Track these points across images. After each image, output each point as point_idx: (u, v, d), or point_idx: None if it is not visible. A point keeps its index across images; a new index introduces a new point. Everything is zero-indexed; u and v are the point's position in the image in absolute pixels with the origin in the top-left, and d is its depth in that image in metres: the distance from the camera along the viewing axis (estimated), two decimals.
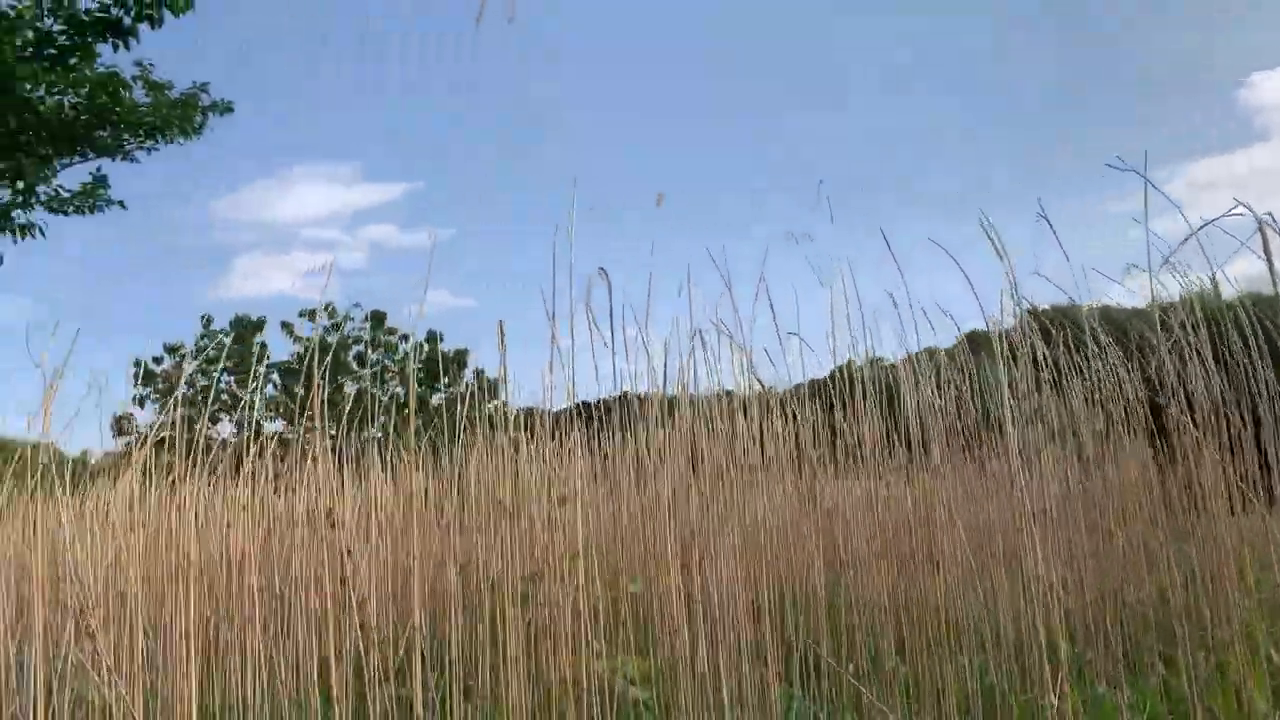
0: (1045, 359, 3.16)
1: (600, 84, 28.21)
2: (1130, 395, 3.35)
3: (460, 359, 20.69)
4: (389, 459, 3.63)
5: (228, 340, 20.27)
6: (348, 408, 3.07)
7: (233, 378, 19.93)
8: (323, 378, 2.32)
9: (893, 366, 3.38)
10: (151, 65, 7.68)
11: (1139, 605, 3.05)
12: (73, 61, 6.67)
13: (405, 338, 22.35)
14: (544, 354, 2.66)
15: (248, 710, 2.53)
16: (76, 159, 7.67)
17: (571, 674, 2.43)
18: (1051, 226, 2.53)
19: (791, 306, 3.06)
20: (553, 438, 3.05)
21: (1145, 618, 3.02)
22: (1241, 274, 2.94)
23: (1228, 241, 2.27)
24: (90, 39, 6.58)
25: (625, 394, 3.55)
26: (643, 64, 28.20)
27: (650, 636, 2.69)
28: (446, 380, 20.63)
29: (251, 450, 2.98)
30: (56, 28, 6.46)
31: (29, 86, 6.32)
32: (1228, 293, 2.90)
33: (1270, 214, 2.04)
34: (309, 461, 3.07)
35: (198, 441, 2.91)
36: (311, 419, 2.50)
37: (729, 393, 3.14)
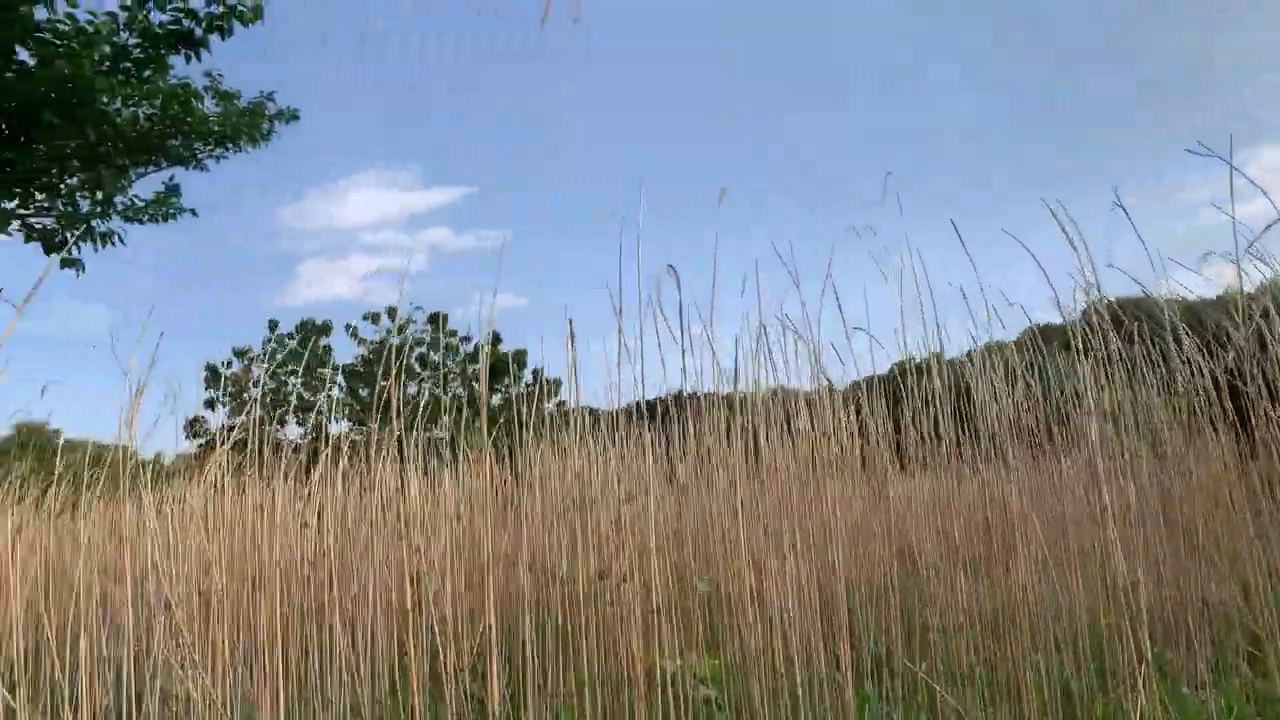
0: (1121, 352, 3.08)
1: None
2: (1209, 386, 3.25)
3: (520, 359, 20.83)
4: (460, 459, 3.66)
5: (294, 344, 20.65)
6: (424, 405, 3.11)
7: (300, 381, 20.30)
8: (395, 378, 2.35)
9: (961, 361, 3.33)
10: (220, 75, 7.89)
11: (1221, 605, 2.96)
12: (147, 74, 6.87)
13: (466, 339, 22.62)
14: (602, 353, 2.67)
15: (328, 706, 2.58)
16: (150, 169, 7.90)
17: (642, 672, 2.44)
18: (1129, 216, 2.47)
19: (851, 302, 3.03)
20: (614, 437, 3.06)
21: (1228, 617, 2.93)
22: None
23: None
24: (163, 51, 6.78)
25: (681, 393, 3.55)
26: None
27: (719, 635, 2.68)
28: (506, 380, 20.82)
29: (325, 452, 3.03)
30: (132, 41, 6.66)
31: (106, 99, 6.52)
32: None
33: None
34: (381, 462, 3.12)
35: (270, 443, 2.97)
36: (383, 420, 2.54)
37: (792, 390, 3.11)
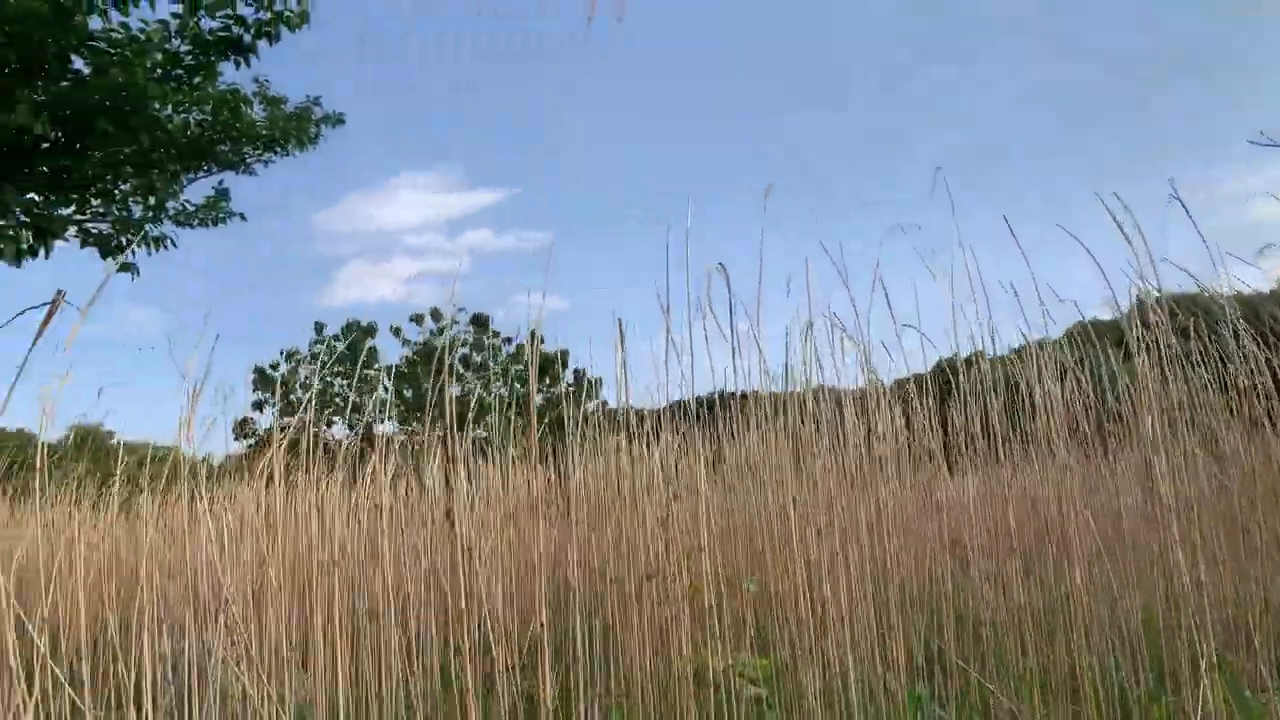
0: (1176, 347, 3.02)
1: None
2: (1268, 382, 3.18)
3: (563, 359, 20.91)
4: (508, 458, 3.69)
5: (340, 346, 20.90)
6: (472, 405, 3.13)
7: (346, 382, 20.54)
8: (443, 376, 2.37)
9: (1010, 358, 3.29)
10: (268, 81, 8.00)
11: None
12: (197, 80, 6.98)
13: (508, 340, 22.77)
14: (649, 352, 2.68)
15: (382, 703, 2.61)
16: (201, 174, 8.04)
17: (692, 670, 2.44)
18: (1186, 209, 2.42)
19: (900, 298, 3.01)
20: (657, 436, 3.05)
21: None
22: None
23: None
24: (213, 58, 6.89)
25: (727, 392, 3.54)
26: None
27: (769, 634, 2.67)
28: (548, 381, 20.91)
29: (375, 452, 3.06)
30: (183, 48, 6.77)
31: (158, 106, 6.65)
32: None
33: None
34: (432, 462, 3.14)
35: (320, 444, 3.01)
36: (434, 420, 2.56)
37: (839, 388, 3.09)
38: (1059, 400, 3.09)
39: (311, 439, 2.93)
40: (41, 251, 6.90)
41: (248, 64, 7.09)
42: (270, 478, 2.96)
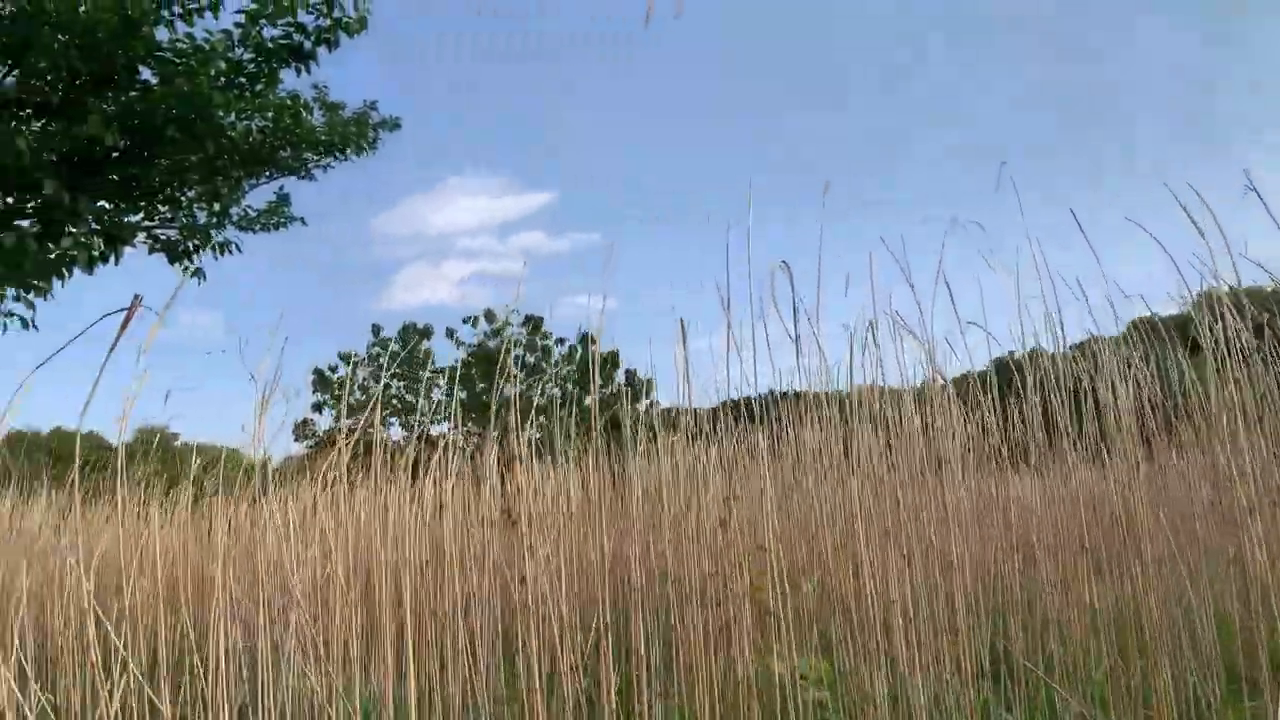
0: (1253, 345, 2.94)
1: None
2: None
3: (614, 359, 20.96)
4: (569, 459, 3.70)
5: (397, 348, 21.15)
6: (537, 405, 3.15)
7: (403, 384, 20.79)
8: (503, 377, 2.39)
9: (1074, 354, 3.23)
10: (326, 87, 8.13)
11: None
12: (259, 88, 7.11)
13: (560, 341, 22.87)
14: (706, 349, 2.67)
15: (446, 701, 2.63)
16: (263, 179, 8.20)
17: (754, 672, 2.42)
18: (1262, 199, 2.35)
19: (962, 296, 2.98)
20: (712, 437, 3.04)
21: None
22: None
23: None
24: (275, 65, 7.01)
25: (789, 392, 3.51)
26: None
27: (832, 636, 2.65)
28: (600, 381, 20.92)
29: (438, 453, 3.09)
30: (246, 57, 6.90)
31: (222, 114, 6.78)
32: None
33: None
34: (493, 462, 3.16)
35: (382, 444, 3.04)
36: (496, 421, 2.58)
37: (901, 387, 3.06)
38: (1128, 397, 3.02)
39: (382, 441, 2.97)
40: (112, 258, 7.09)
41: (308, 71, 7.21)
42: (335, 479, 3.01)
